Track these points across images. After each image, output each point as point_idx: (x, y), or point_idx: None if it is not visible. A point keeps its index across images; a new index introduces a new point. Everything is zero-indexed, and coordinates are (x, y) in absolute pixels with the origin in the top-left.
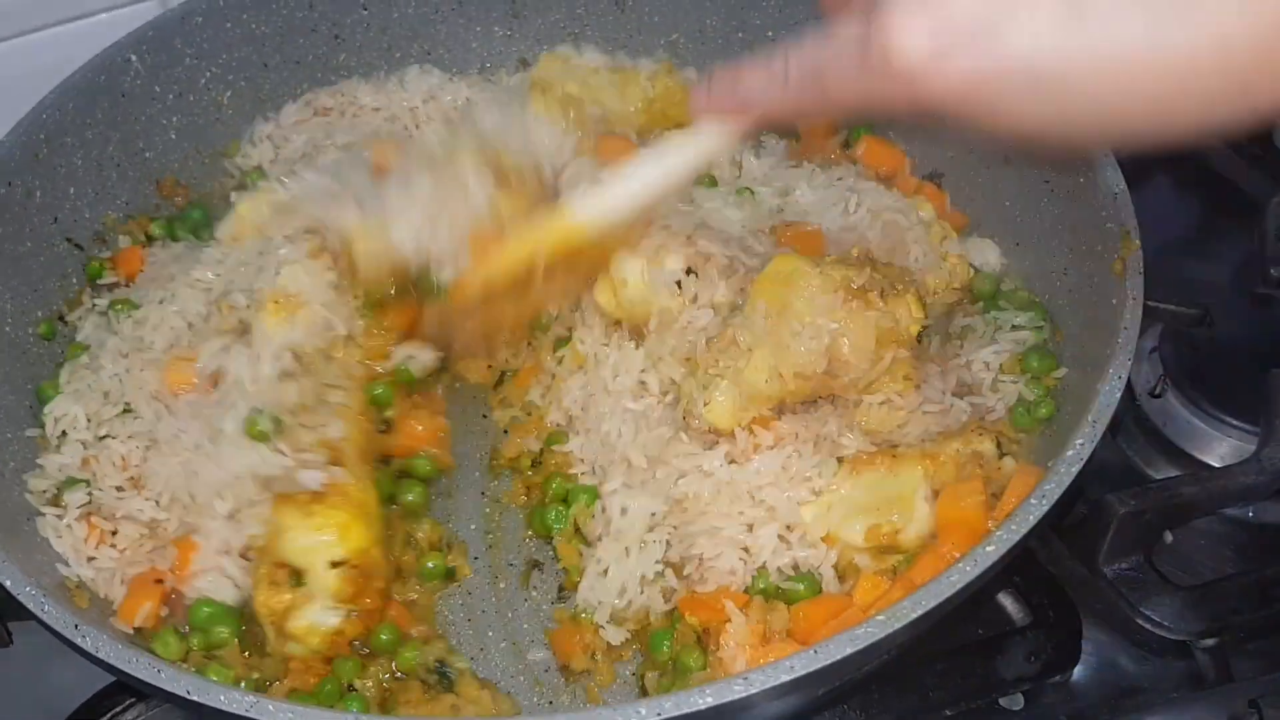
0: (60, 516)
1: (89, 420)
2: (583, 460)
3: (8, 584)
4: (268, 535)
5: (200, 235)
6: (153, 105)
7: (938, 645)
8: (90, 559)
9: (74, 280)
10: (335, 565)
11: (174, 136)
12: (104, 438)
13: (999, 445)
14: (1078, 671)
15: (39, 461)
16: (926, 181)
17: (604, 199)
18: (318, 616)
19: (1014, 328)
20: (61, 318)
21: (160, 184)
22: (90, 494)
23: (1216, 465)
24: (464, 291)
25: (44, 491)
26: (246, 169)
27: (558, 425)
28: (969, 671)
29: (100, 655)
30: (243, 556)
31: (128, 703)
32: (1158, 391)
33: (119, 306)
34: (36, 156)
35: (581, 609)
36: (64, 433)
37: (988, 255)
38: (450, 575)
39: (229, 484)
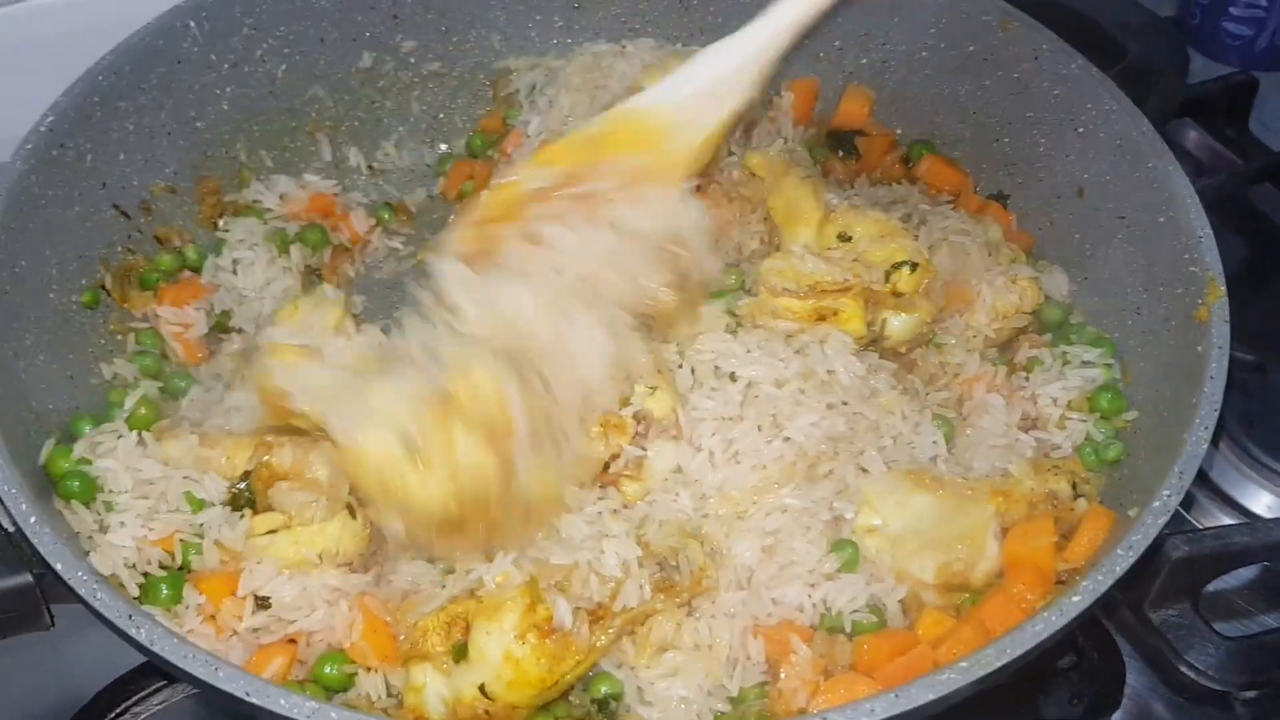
0: (178, 622)
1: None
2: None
3: (59, 567)
4: (491, 599)
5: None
6: (207, 74)
7: None
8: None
9: (118, 249)
10: (481, 689)
11: (226, 107)
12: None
13: (1074, 486)
14: (1117, 716)
15: (91, 556)
16: (990, 201)
17: (668, 83)
18: (432, 691)
19: (1084, 364)
20: (104, 287)
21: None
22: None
23: (1262, 515)
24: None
25: (119, 571)
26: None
27: None
28: (1012, 709)
29: (155, 648)
30: None
31: (155, 685)
32: None
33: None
34: (89, 119)
35: None
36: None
37: (1057, 282)
38: None
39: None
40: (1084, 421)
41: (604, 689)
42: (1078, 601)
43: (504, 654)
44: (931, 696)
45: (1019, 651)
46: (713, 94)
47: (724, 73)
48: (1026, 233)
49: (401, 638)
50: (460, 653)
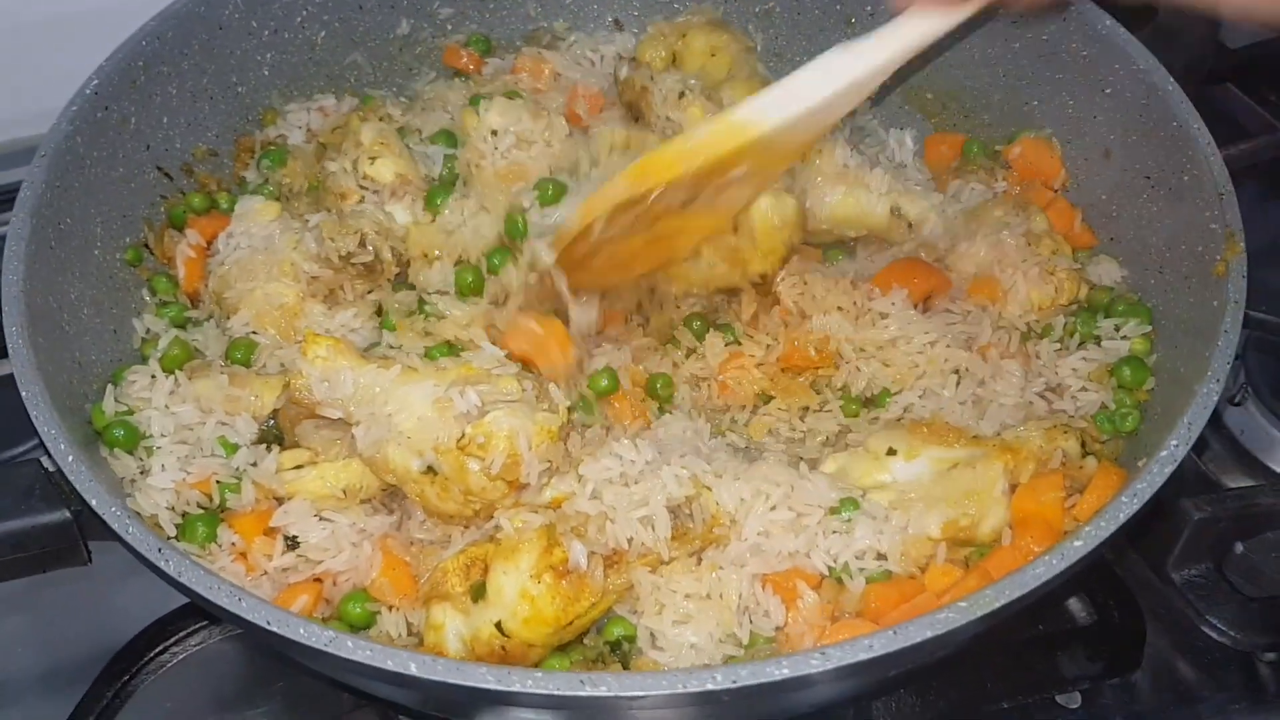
0: (211, 559)
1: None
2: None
3: (93, 503)
4: (509, 541)
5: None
6: (249, 40)
7: (999, 638)
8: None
9: (161, 210)
10: (498, 627)
11: (266, 73)
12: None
13: (1083, 444)
14: (1137, 675)
15: (132, 493)
16: (1058, 197)
17: (779, 96)
18: (451, 630)
19: (1117, 330)
20: (147, 245)
21: (240, 141)
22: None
23: None
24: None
25: (159, 513)
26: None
27: None
28: (1029, 666)
29: (183, 580)
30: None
31: (196, 626)
32: (1238, 399)
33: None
34: (134, 83)
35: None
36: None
37: (1107, 270)
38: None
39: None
40: (1099, 393)
41: (617, 631)
42: (1079, 546)
43: (520, 593)
44: (930, 634)
45: (1018, 593)
46: (821, 111)
47: (834, 91)
48: (1091, 229)
49: (422, 580)
50: (478, 592)
